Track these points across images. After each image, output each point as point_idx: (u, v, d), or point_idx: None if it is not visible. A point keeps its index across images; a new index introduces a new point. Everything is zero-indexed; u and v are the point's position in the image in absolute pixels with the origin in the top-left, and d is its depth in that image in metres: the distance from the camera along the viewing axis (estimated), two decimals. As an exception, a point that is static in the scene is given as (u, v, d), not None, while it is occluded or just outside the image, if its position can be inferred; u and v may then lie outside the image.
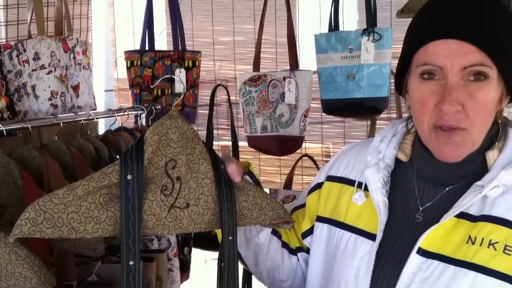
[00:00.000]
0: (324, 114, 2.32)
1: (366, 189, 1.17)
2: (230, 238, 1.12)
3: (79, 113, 1.78)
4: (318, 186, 1.31)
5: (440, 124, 1.03)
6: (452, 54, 1.00)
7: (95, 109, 2.04)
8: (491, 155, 1.07)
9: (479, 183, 1.04)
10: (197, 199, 1.11)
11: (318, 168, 2.42)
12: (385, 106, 2.15)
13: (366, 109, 2.16)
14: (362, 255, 1.12)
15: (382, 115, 2.25)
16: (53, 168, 1.51)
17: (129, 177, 1.04)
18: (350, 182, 1.22)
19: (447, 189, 1.10)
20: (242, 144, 2.49)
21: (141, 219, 1.06)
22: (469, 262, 1.00)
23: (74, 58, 1.96)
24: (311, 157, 2.41)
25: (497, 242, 0.99)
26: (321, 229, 1.25)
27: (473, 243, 1.01)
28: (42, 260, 1.13)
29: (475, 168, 1.07)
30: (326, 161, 2.60)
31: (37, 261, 1.08)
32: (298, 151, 2.36)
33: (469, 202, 1.03)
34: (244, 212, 1.16)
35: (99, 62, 2.73)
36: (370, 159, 1.19)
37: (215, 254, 1.18)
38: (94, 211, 1.04)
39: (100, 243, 1.39)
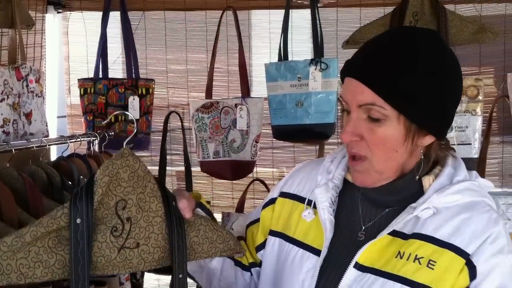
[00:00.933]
0: (275, 139, 2.39)
1: (315, 206, 1.23)
2: (181, 276, 1.12)
3: (31, 140, 1.79)
4: (272, 201, 1.36)
5: (348, 152, 1.15)
6: (352, 92, 1.11)
7: (47, 136, 2.05)
8: (426, 180, 1.16)
9: (413, 205, 1.13)
10: (147, 238, 1.11)
11: (269, 191, 2.48)
12: (332, 131, 2.24)
13: (314, 135, 2.24)
14: (307, 269, 1.19)
15: (330, 140, 2.34)
16: (4, 194, 1.52)
17: (78, 220, 1.03)
18: (301, 199, 1.28)
19: (386, 210, 1.18)
20: (195, 169, 2.53)
21: (91, 261, 1.05)
22: (395, 275, 1.08)
23: (27, 86, 1.98)
24: (262, 181, 2.47)
25: (422, 257, 1.08)
26: (273, 242, 1.30)
27: (401, 258, 1.09)
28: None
29: (411, 193, 1.15)
30: (277, 185, 2.66)
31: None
32: (250, 175, 2.41)
33: (401, 221, 1.11)
34: (194, 247, 1.18)
35: (52, 89, 2.73)
36: (320, 179, 1.26)
37: (168, 278, 1.20)
38: (43, 255, 1.03)
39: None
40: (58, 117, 2.81)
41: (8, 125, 1.82)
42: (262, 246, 1.35)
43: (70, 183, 1.81)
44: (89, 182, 1.06)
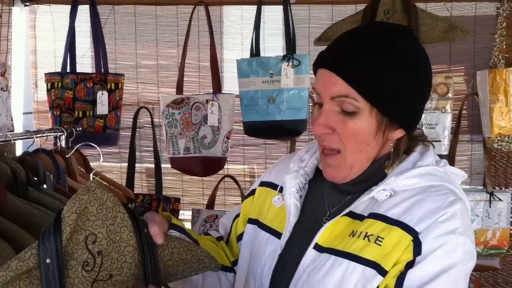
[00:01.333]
0: (246, 135, 2.37)
1: None
2: None
3: (-5, 134, 1.74)
4: (252, 192, 1.38)
5: (319, 144, 1.15)
6: (325, 83, 1.10)
7: (12, 130, 2.00)
8: (389, 168, 1.16)
9: (372, 188, 1.13)
10: (120, 268, 1.10)
11: (240, 188, 2.47)
12: (304, 128, 2.24)
13: (286, 131, 2.24)
14: (269, 253, 1.20)
15: (302, 137, 2.34)
16: (-34, 189, 1.47)
17: (48, 260, 1.02)
18: (275, 186, 1.30)
19: (349, 196, 1.19)
20: (165, 165, 2.50)
21: None
22: (345, 252, 1.09)
23: (-8, 79, 1.93)
24: (233, 178, 2.45)
25: (372, 235, 1.08)
26: (249, 229, 1.31)
27: (353, 236, 1.10)
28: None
29: (375, 181, 1.15)
30: (250, 181, 2.66)
31: None
32: (221, 171, 2.39)
33: (357, 202, 1.13)
34: (169, 270, 1.16)
35: (18, 84, 2.67)
36: (292, 166, 1.27)
37: None
38: None
39: None
40: (24, 113, 2.75)
41: (-29, 119, 1.76)
42: (242, 235, 1.35)
43: (35, 179, 1.76)
44: (56, 220, 1.04)
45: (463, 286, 1.09)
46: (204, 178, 2.54)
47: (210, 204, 2.45)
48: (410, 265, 1.05)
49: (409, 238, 1.06)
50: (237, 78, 2.30)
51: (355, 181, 1.17)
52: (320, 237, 1.14)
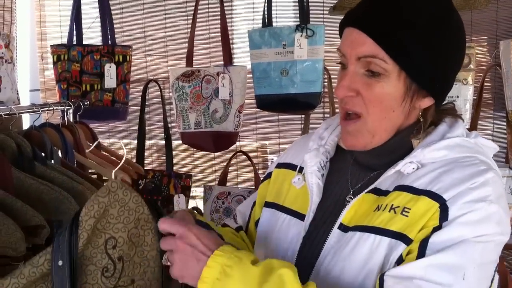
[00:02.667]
0: (259, 110, 2.30)
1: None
2: None
3: (0, 107, 1.68)
4: (269, 175, 1.32)
5: (341, 110, 1.10)
6: (351, 43, 1.05)
7: (18, 104, 1.94)
8: (415, 140, 1.09)
9: (398, 162, 1.07)
10: (143, 273, 1.05)
11: (253, 164, 2.41)
12: (318, 101, 2.16)
13: (300, 105, 2.17)
14: (293, 235, 1.15)
15: (316, 111, 2.26)
16: (-30, 164, 1.42)
17: (60, 263, 0.96)
18: (293, 167, 1.24)
19: (374, 173, 1.13)
20: (176, 141, 2.44)
21: None
22: (371, 226, 1.04)
23: (-4, 51, 1.86)
24: (245, 153, 2.39)
25: (398, 207, 1.03)
26: (266, 213, 1.26)
27: (378, 210, 1.05)
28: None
29: (401, 154, 1.09)
30: (262, 157, 2.59)
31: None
32: (233, 147, 2.33)
33: (382, 177, 1.07)
34: None
35: (24, 58, 2.60)
36: (311, 144, 1.21)
37: None
38: None
39: (21, 242, 1.31)
40: (31, 90, 2.69)
41: (-25, 92, 1.70)
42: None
43: (42, 154, 1.70)
44: (73, 221, 0.98)
45: (492, 261, 1.02)
46: (216, 153, 2.48)
47: (222, 180, 2.39)
48: (436, 229, 0.98)
49: (436, 205, 0.99)
50: (249, 49, 2.22)
51: (378, 153, 1.11)
52: (345, 217, 1.08)
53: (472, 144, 1.08)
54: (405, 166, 1.05)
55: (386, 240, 1.01)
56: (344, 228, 1.08)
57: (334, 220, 1.10)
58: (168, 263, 1.01)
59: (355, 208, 1.08)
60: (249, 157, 2.40)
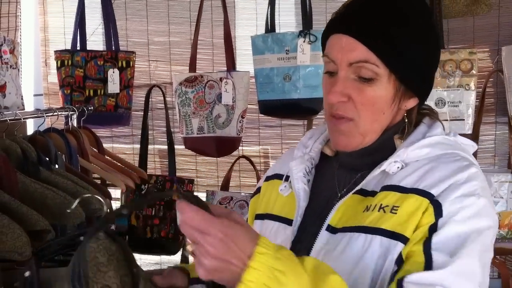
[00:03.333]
0: (261, 115, 2.31)
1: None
2: None
3: (5, 113, 1.69)
4: (258, 190, 1.33)
5: (330, 113, 1.09)
6: (342, 49, 1.04)
7: (23, 109, 1.95)
8: (398, 140, 1.11)
9: (382, 163, 1.08)
10: None
11: (255, 169, 2.41)
12: (321, 107, 2.16)
13: (302, 110, 2.17)
14: (281, 240, 1.14)
15: (319, 116, 2.27)
16: (-25, 169, 1.42)
17: None
18: (280, 176, 1.24)
19: (359, 174, 1.14)
20: (178, 146, 2.45)
21: None
22: (361, 226, 1.04)
23: (1, 57, 1.87)
24: (248, 158, 2.39)
25: (386, 206, 1.04)
26: (258, 225, 1.25)
27: (367, 210, 1.05)
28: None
29: (384, 154, 1.10)
30: (264, 162, 2.60)
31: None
32: (235, 152, 2.34)
33: (368, 177, 1.08)
34: None
35: (28, 63, 2.61)
36: (296, 153, 1.22)
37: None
38: None
39: (26, 247, 1.32)
40: (35, 95, 2.69)
41: (-20, 97, 1.71)
42: None
43: (47, 158, 1.71)
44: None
45: (490, 250, 1.04)
46: (218, 158, 2.48)
47: (225, 186, 2.40)
48: (433, 228, 0.99)
49: (426, 201, 1.01)
50: (252, 55, 2.23)
51: (362, 154, 1.12)
52: (333, 218, 1.09)
53: (452, 141, 1.11)
54: (390, 165, 1.06)
55: (377, 239, 1.02)
56: (332, 230, 1.08)
57: (322, 223, 1.10)
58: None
59: (342, 210, 1.09)
60: (251, 162, 2.40)
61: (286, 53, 2.16)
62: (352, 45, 1.03)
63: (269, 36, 2.18)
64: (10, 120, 1.68)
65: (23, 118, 1.76)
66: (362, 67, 1.03)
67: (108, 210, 1.72)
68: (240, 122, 2.24)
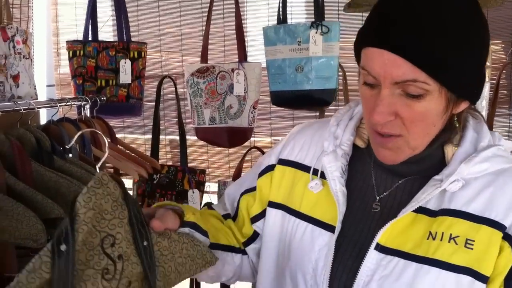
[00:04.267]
0: (273, 106, 2.30)
1: (322, 176, 1.12)
2: None
3: (19, 102, 1.70)
4: (270, 168, 1.23)
5: (375, 129, 1.00)
6: (384, 66, 0.94)
7: (36, 99, 1.95)
8: (449, 149, 1.04)
9: (437, 177, 1.01)
10: (139, 273, 0.96)
11: (267, 160, 2.41)
12: (333, 98, 2.16)
13: (315, 101, 2.16)
14: (320, 247, 1.08)
15: (330, 107, 2.27)
16: (-10, 157, 1.43)
17: (63, 247, 0.84)
18: (304, 168, 1.16)
19: (404, 179, 1.07)
20: (190, 137, 2.45)
21: None
22: (430, 258, 0.97)
23: (14, 47, 1.88)
24: (260, 149, 2.39)
25: (457, 236, 0.97)
26: (274, 215, 1.19)
27: (433, 239, 0.98)
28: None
29: (433, 163, 1.04)
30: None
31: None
32: (247, 143, 2.34)
33: (428, 196, 1.00)
34: (180, 269, 1.06)
35: (40, 54, 2.62)
36: (327, 145, 1.13)
37: None
38: None
39: (41, 234, 1.33)
40: (48, 86, 2.71)
41: (-6, 87, 1.72)
42: (258, 217, 1.23)
43: (61, 148, 1.72)
44: (70, 217, 0.87)
45: None
46: (230, 149, 2.49)
47: (237, 176, 2.40)
48: None
49: (499, 234, 0.96)
50: (264, 46, 2.22)
51: (409, 161, 1.04)
52: (382, 236, 1.01)
53: (504, 152, 1.04)
54: (451, 185, 0.99)
55: (452, 276, 0.96)
56: (381, 249, 1.01)
57: (367, 236, 1.04)
58: None
59: (392, 226, 1.01)
60: (263, 153, 2.40)
61: (298, 44, 2.15)
62: (397, 62, 0.92)
63: (281, 27, 2.18)
64: (24, 109, 1.68)
65: (37, 108, 1.77)
66: (410, 85, 0.93)
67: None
68: (251, 113, 2.24)
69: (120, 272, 0.92)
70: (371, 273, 1.00)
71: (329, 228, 1.08)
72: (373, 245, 1.01)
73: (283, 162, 1.21)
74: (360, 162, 1.13)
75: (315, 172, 1.13)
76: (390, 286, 0.98)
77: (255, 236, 1.25)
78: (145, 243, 0.97)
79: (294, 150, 1.20)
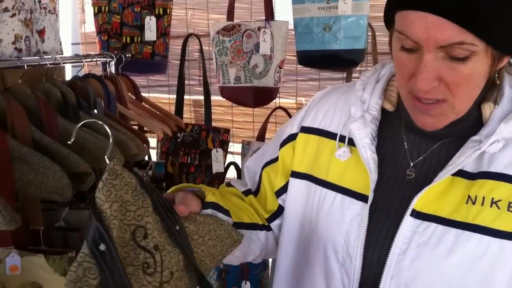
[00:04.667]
0: (300, 66, 2.26)
1: (349, 143, 1.06)
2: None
3: (44, 57, 1.69)
4: (292, 137, 1.18)
5: (417, 96, 0.93)
6: (427, 30, 0.88)
7: (61, 55, 1.95)
8: (487, 108, 0.98)
9: (475, 138, 0.96)
10: (177, 262, 0.89)
11: (292, 121, 2.38)
12: (362, 58, 2.11)
13: (342, 61, 2.12)
14: (351, 218, 1.02)
15: (358, 68, 2.22)
16: (17, 111, 1.44)
17: (102, 247, 0.79)
18: (330, 135, 1.10)
19: (439, 143, 1.01)
20: (214, 98, 2.43)
21: None
22: (471, 224, 0.93)
23: (40, 2, 1.86)
24: (285, 110, 2.37)
25: (499, 200, 0.92)
26: (298, 185, 1.13)
27: (473, 203, 0.93)
28: (7, 202, 1.07)
29: (469, 123, 0.99)
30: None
31: (1, 200, 1.02)
32: (271, 104, 2.31)
33: (466, 159, 0.94)
34: (212, 252, 1.01)
35: (65, 10, 2.60)
36: (354, 111, 1.06)
37: None
38: None
39: (68, 188, 1.33)
40: (73, 44, 2.69)
41: (20, 41, 1.71)
42: (283, 190, 1.18)
43: (86, 104, 1.72)
44: (98, 220, 0.80)
45: None
46: (255, 109, 2.46)
47: (261, 136, 2.38)
48: None
49: None
50: (291, 4, 2.17)
51: (446, 124, 0.99)
52: (418, 201, 0.96)
53: None
54: (491, 146, 0.94)
55: (496, 242, 0.91)
56: (417, 215, 0.96)
57: (402, 203, 0.98)
58: None
59: (431, 192, 0.96)
60: (288, 114, 2.37)
61: (327, 3, 2.10)
62: (442, 25, 0.86)
63: (310, -16, 2.12)
64: (49, 64, 1.68)
65: (62, 63, 1.76)
66: (456, 48, 0.87)
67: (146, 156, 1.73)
68: (277, 73, 2.20)
69: (160, 263, 0.86)
70: (407, 241, 0.96)
71: (360, 197, 1.03)
72: (409, 211, 0.96)
73: (306, 130, 1.15)
74: (389, 126, 1.07)
75: (342, 139, 1.08)
76: (429, 253, 0.94)
77: (280, 211, 1.19)
78: (177, 228, 0.91)
79: (318, 117, 1.15)
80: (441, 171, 0.95)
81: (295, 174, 1.14)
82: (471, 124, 0.99)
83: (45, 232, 1.37)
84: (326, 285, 1.06)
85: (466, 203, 0.93)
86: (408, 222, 0.96)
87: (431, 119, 0.96)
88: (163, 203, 0.90)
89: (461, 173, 0.96)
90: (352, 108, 1.07)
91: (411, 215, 0.96)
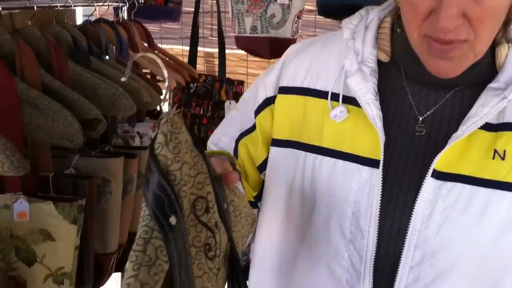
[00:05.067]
0: (319, 17, 2.18)
1: (344, 101, 0.94)
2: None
3: (55, -2, 1.63)
4: (269, 101, 1.03)
5: (435, 37, 0.82)
6: None
7: (72, -3, 1.88)
8: (502, 51, 0.89)
9: (493, 85, 0.86)
10: (226, 244, 0.74)
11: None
12: (383, 9, 2.02)
13: (363, 12, 2.04)
14: (359, 186, 0.91)
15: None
16: (26, 54, 1.38)
17: (173, 220, 0.61)
18: (318, 93, 0.97)
19: (451, 92, 0.90)
20: (229, 51, 2.36)
21: None
22: (503, 182, 0.85)
23: None
24: (301, 63, 2.30)
25: None
26: (282, 155, 1.00)
27: (502, 158, 0.85)
28: (15, 147, 1.02)
29: (482, 67, 0.89)
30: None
31: (9, 145, 0.98)
32: (289, 55, 2.24)
33: (492, 109, 0.85)
34: (243, 233, 0.88)
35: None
36: (349, 64, 0.94)
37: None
38: None
39: (78, 134, 1.29)
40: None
41: (29, -18, 1.64)
42: (267, 162, 1.05)
43: (97, 49, 1.66)
44: (167, 181, 0.61)
45: None
46: (270, 61, 2.39)
47: (276, 89, 2.33)
48: None
49: None
50: (312, -49, 2.08)
51: None
52: (439, 160, 0.86)
53: None
54: None
55: None
56: (438, 175, 0.86)
57: (418, 163, 0.89)
58: None
59: (452, 148, 0.86)
60: (305, 67, 2.31)
61: (349, -51, 2.00)
62: None
63: None
64: (60, 6, 1.61)
65: (73, 6, 1.69)
66: None
67: (158, 106, 1.69)
68: (296, 23, 2.12)
69: (219, 245, 0.70)
70: (431, 205, 0.86)
71: (367, 162, 0.91)
72: (430, 172, 0.86)
73: (286, 90, 1.01)
74: (387, 79, 0.95)
75: (334, 97, 0.95)
76: (458, 217, 0.86)
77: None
78: (225, 206, 0.75)
79: (299, 74, 1.01)
80: (463, 125, 0.86)
81: (276, 142, 1.02)
82: (484, 68, 0.90)
83: (55, 179, 1.33)
84: (328, 267, 0.94)
85: (493, 158, 0.85)
86: (429, 184, 0.86)
87: (450, 63, 0.84)
88: (212, 170, 0.73)
89: (485, 126, 0.86)
90: (346, 61, 0.94)
91: (432, 175, 0.86)
